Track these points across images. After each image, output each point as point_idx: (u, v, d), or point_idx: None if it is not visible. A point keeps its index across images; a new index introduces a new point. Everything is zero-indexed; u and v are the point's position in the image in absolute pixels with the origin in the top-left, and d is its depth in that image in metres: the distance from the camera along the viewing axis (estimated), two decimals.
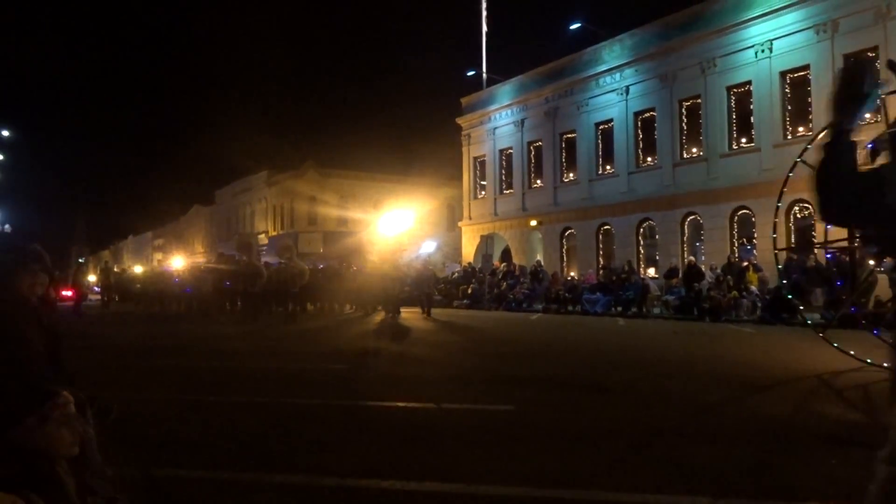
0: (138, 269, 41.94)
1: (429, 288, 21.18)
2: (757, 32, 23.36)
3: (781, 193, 9.94)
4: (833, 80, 2.09)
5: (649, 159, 27.65)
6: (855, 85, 1.98)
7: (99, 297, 33.23)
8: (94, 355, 9.17)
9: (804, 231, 21.83)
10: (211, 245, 57.57)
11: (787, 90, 22.73)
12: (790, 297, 13.60)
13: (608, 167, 29.45)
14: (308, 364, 9.11)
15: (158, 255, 68.75)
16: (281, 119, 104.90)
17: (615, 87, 28.60)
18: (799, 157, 8.78)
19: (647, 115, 27.72)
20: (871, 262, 12.51)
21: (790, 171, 9.49)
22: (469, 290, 28.77)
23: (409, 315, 20.28)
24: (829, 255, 17.30)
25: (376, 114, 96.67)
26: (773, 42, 22.89)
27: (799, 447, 4.67)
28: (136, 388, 6.81)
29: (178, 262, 35.00)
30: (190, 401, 6.38)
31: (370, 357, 10.25)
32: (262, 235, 52.28)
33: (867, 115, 2.19)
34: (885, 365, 7.50)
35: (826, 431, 5.10)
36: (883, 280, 11.87)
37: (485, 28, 35.79)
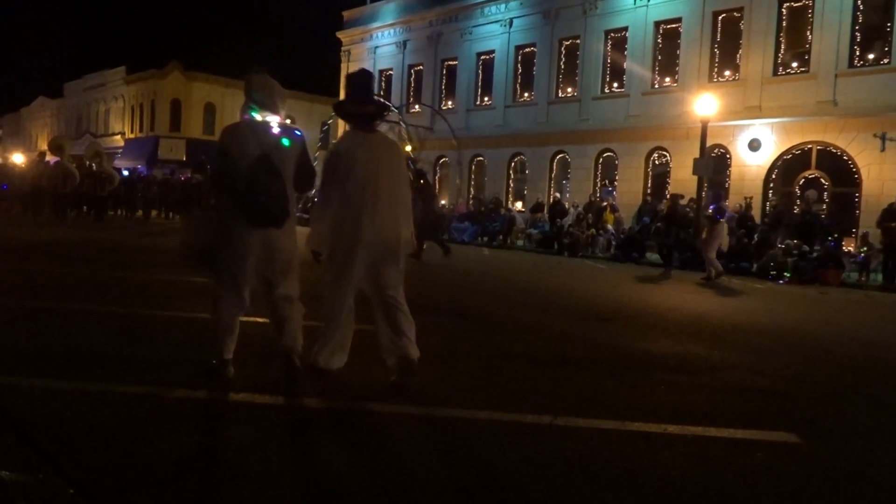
0: None
1: None
2: None
3: None
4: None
5: (526, 95, 28.06)
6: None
7: None
8: None
9: (659, 177, 23.27)
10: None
11: (659, 40, 23.63)
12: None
13: (486, 99, 29.60)
14: (160, 275, 8.69)
15: None
16: (143, 10, 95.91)
17: (499, 19, 28.51)
18: None
19: (527, 50, 27.94)
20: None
21: None
22: None
23: None
24: None
25: (251, 19, 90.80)
26: None
27: (633, 374, 5.08)
28: None
29: (18, 158, 31.97)
30: (28, 308, 5.94)
31: None
32: (119, 137, 48.51)
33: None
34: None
35: (658, 361, 5.58)
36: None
37: None
